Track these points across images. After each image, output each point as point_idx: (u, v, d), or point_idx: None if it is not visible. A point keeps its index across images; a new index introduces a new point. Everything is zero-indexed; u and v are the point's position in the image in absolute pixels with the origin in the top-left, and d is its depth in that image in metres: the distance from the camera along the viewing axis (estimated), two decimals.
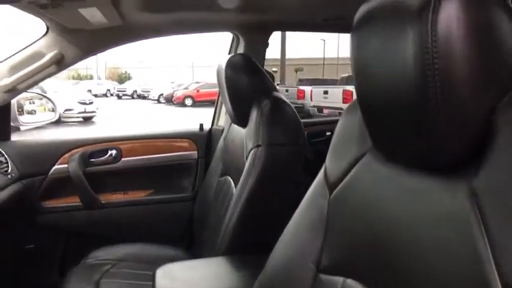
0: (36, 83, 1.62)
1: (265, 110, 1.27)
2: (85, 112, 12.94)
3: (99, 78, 31.19)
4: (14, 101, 1.70)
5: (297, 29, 1.98)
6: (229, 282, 1.12)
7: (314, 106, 11.48)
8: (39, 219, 1.74)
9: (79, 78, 33.27)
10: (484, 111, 0.46)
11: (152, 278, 1.08)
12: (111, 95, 27.26)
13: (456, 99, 0.44)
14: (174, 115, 15.14)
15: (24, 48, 1.58)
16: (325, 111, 10.81)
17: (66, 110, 12.00)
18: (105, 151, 1.84)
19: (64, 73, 26.77)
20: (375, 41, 0.52)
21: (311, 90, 12.00)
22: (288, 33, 16.36)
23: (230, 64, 1.37)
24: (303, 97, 12.26)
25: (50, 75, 1.62)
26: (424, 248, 0.51)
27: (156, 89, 23.71)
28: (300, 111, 1.35)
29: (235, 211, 1.23)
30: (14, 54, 1.59)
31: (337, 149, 0.76)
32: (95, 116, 13.36)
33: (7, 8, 1.22)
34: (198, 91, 20.13)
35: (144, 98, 24.39)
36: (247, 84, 1.37)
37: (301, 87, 13.14)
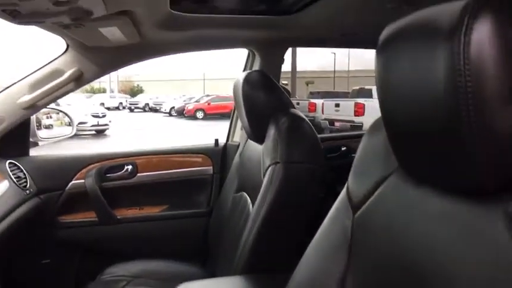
0: (55, 99, 1.64)
1: (283, 127, 1.27)
2: (98, 125, 13.09)
3: (112, 92, 31.58)
4: (32, 116, 1.73)
5: (313, 45, 1.98)
6: None
7: (325, 119, 11.49)
8: (56, 234, 1.75)
9: (92, 91, 33.75)
10: None
11: None
12: (124, 107, 27.58)
13: (490, 121, 0.43)
14: (185, 128, 15.24)
15: (44, 66, 1.61)
16: (337, 124, 10.80)
17: (79, 123, 12.15)
18: (121, 166, 1.85)
19: None
20: (403, 61, 0.52)
21: (322, 103, 12.03)
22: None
23: (247, 81, 1.37)
24: (314, 110, 12.29)
25: (68, 92, 1.65)
26: (457, 273, 0.49)
27: (168, 102, 23.97)
28: (311, 124, 1.36)
29: (253, 229, 1.22)
30: (34, 72, 1.62)
31: (361, 169, 0.75)
32: (107, 129, 13.50)
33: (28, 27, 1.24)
34: (209, 104, 20.29)
35: (155, 111, 24.64)
36: (265, 101, 1.37)
37: (313, 100, 13.17)
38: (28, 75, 1.61)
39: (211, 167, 1.95)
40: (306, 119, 1.35)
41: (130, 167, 1.86)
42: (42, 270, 1.74)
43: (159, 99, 26.07)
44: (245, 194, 1.48)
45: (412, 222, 0.57)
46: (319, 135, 1.37)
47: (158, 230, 1.86)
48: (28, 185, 1.60)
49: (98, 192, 1.76)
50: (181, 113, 20.85)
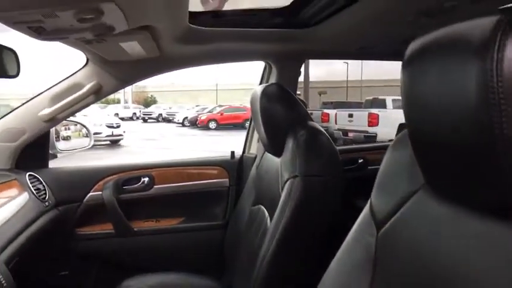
0: (74, 112, 1.67)
1: (301, 140, 1.26)
2: (112, 135, 13.24)
3: (126, 102, 32.01)
4: (52, 129, 1.76)
5: (329, 57, 1.98)
6: None
7: (339, 129, 11.44)
8: (73, 246, 1.76)
9: (107, 102, 34.25)
10: None
11: None
12: (137, 118, 27.91)
13: None
14: (199, 138, 15.35)
15: (64, 79, 1.64)
16: (350, 134, 10.75)
17: (94, 134, 12.29)
18: (138, 178, 1.86)
19: None
20: (431, 75, 0.51)
21: (335, 114, 11.98)
22: None
23: (265, 94, 1.37)
24: (327, 120, 12.25)
25: (88, 105, 1.67)
26: None
27: (181, 112, 24.19)
28: None
29: (272, 242, 1.21)
30: (54, 85, 1.65)
31: (385, 185, 0.73)
32: (122, 139, 13.65)
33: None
34: (222, 114, 20.42)
35: (169, 121, 24.88)
36: (282, 113, 1.37)
37: (326, 111, 13.14)
38: (49, 89, 1.64)
39: (227, 179, 1.95)
40: (324, 131, 1.34)
41: (147, 179, 1.87)
42: (60, 282, 1.74)
43: (172, 110, 26.35)
44: (262, 207, 1.47)
45: (440, 242, 0.56)
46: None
47: (174, 243, 1.86)
48: (47, 197, 1.61)
49: (115, 205, 1.77)
50: (194, 123, 21.02)
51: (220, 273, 1.82)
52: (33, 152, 1.69)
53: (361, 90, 28.50)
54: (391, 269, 0.65)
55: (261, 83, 1.94)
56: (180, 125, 22.52)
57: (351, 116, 11.10)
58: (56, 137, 1.83)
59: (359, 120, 10.50)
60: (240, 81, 34.42)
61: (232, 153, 2.03)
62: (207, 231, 1.89)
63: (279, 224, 1.21)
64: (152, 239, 1.84)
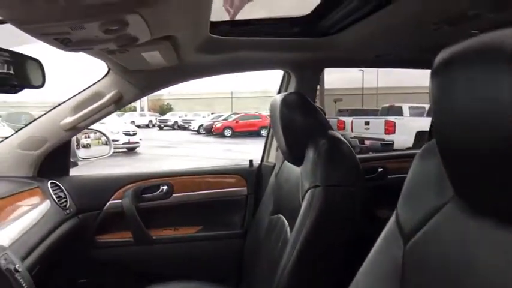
0: (95, 121, 1.69)
1: (322, 150, 1.25)
2: (129, 143, 13.39)
3: (142, 110, 32.39)
4: (73, 137, 1.78)
5: (347, 66, 1.97)
6: None
7: (355, 137, 11.33)
8: (92, 254, 1.78)
9: (123, 110, 34.71)
10: None
11: None
12: (153, 125, 28.20)
13: None
14: (213, 145, 15.43)
15: (85, 89, 1.67)
16: (367, 142, 10.63)
17: (112, 141, 12.45)
18: (157, 187, 1.87)
19: None
20: (461, 86, 0.50)
21: (351, 121, 11.88)
22: None
23: (285, 102, 1.37)
24: (343, 128, 12.15)
25: (108, 114, 1.70)
26: None
27: (197, 120, 24.37)
28: None
29: (293, 253, 1.19)
30: (76, 95, 1.67)
31: (412, 196, 0.72)
32: (138, 146, 13.79)
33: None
34: (237, 122, 20.48)
35: (184, 128, 25.06)
36: (302, 122, 1.36)
37: (341, 118, 13.05)
38: (70, 98, 1.67)
39: (245, 188, 1.95)
40: (345, 140, 1.33)
41: (165, 187, 1.87)
42: None
43: (187, 117, 26.56)
44: (282, 217, 1.46)
45: (471, 255, 0.54)
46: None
47: (193, 251, 1.85)
48: (68, 205, 1.63)
49: (135, 213, 1.77)
50: (209, 130, 21.11)
51: (239, 281, 1.81)
52: (55, 160, 1.72)
53: (376, 97, 28.25)
54: (419, 282, 0.64)
55: (279, 92, 1.93)
56: (196, 132, 22.64)
57: (367, 123, 10.99)
58: (76, 145, 1.86)
59: (375, 128, 10.39)
60: (255, 89, 34.52)
61: (251, 161, 2.02)
62: (225, 239, 1.89)
63: (299, 233, 1.20)
64: (171, 247, 1.84)
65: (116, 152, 12.75)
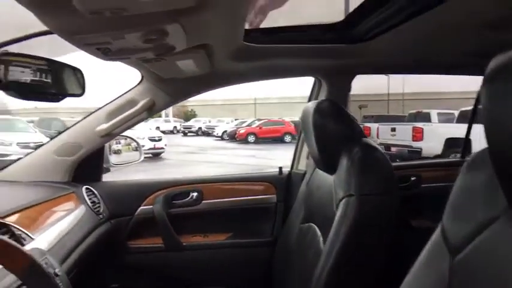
0: (128, 127, 1.72)
1: (357, 158, 1.23)
2: (155, 148, 13.60)
3: (167, 116, 32.88)
4: (106, 143, 1.82)
5: (381, 72, 1.93)
6: None
7: (381, 144, 11.14)
8: (124, 259, 1.80)
9: None
10: None
11: None
12: (178, 131, 28.58)
13: None
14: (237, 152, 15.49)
15: (119, 96, 1.70)
16: (393, 149, 10.42)
17: None
18: (187, 193, 1.89)
19: None
20: None
21: (377, 127, 11.70)
22: None
23: (318, 110, 1.35)
24: (369, 134, 11.97)
25: (141, 121, 1.73)
26: None
27: (220, 126, 24.57)
28: None
29: (328, 263, 1.17)
30: (110, 102, 1.71)
31: (459, 209, 0.69)
32: (163, 152, 13.98)
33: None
34: (260, 128, 20.52)
35: (208, 134, 25.32)
36: (336, 130, 1.34)
37: (367, 124, 12.88)
38: (105, 105, 1.71)
39: (275, 196, 1.94)
40: (380, 148, 1.30)
41: (196, 193, 1.89)
42: None
43: (211, 124, 26.82)
44: (313, 226, 1.44)
45: None
46: None
47: (222, 258, 1.85)
48: (101, 210, 1.66)
49: (165, 219, 1.79)
50: (232, 136, 21.24)
51: None
52: (89, 166, 1.76)
53: (403, 103, 27.78)
54: None
55: (310, 99, 1.92)
56: (219, 138, 22.81)
57: (393, 130, 10.78)
58: (109, 151, 1.90)
59: (402, 135, 10.17)
60: (278, 95, 34.52)
61: (280, 169, 2.01)
62: (254, 247, 1.88)
63: (334, 243, 1.18)
64: (201, 253, 1.85)
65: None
